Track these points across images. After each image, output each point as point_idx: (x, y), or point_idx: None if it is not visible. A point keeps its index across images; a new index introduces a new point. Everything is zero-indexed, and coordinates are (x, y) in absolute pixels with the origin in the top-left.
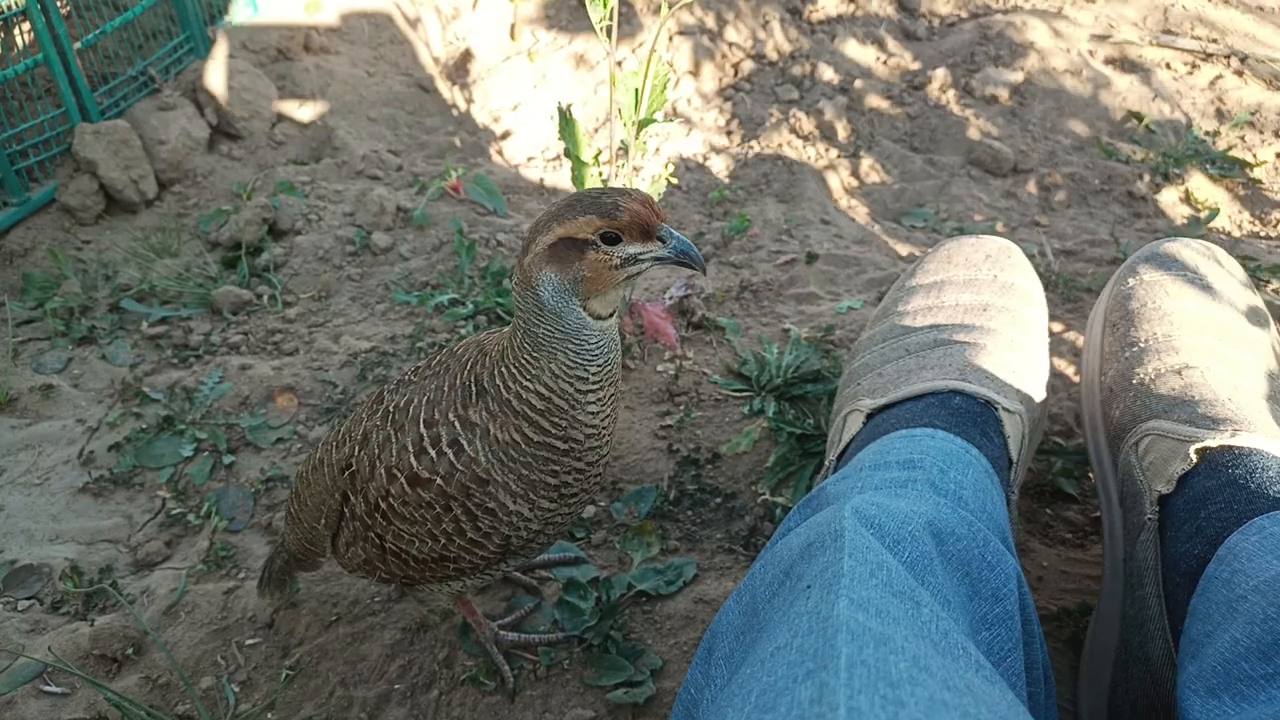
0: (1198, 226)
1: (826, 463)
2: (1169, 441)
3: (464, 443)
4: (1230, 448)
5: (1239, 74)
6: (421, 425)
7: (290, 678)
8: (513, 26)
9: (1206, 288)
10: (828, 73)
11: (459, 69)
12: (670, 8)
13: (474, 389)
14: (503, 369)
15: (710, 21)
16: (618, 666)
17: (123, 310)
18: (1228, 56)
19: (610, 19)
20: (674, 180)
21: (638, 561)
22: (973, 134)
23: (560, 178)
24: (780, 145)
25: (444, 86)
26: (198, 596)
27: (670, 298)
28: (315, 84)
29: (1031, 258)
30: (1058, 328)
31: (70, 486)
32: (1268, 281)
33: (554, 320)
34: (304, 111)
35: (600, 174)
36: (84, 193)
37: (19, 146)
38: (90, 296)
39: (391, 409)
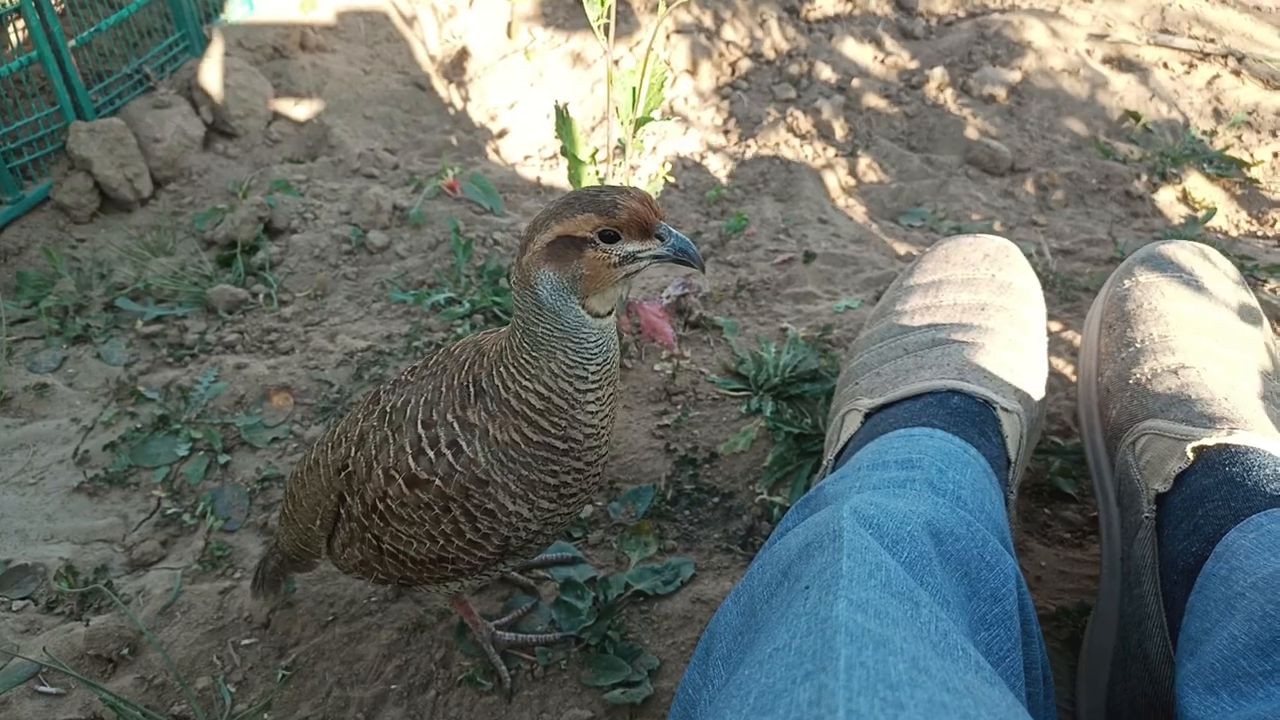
0: (1195, 226)
1: (824, 462)
2: (1166, 440)
3: (463, 444)
4: (1227, 446)
5: (1236, 74)
6: (419, 426)
7: (286, 678)
8: (509, 25)
9: (1202, 289)
10: (825, 72)
11: (455, 67)
12: (668, 6)
13: (472, 389)
14: (501, 369)
15: (708, 20)
16: (615, 666)
17: (118, 309)
18: (1225, 56)
19: (607, 17)
20: (671, 179)
21: (635, 561)
22: (970, 133)
23: (557, 176)
24: (778, 144)
25: (440, 85)
26: (193, 596)
27: (667, 297)
28: (311, 82)
29: (1029, 257)
30: (1056, 327)
31: (65, 486)
32: (1265, 281)
33: (552, 319)
34: (300, 110)
35: (597, 172)
36: (79, 191)
37: (13, 144)
38: (85, 295)
39: (388, 409)
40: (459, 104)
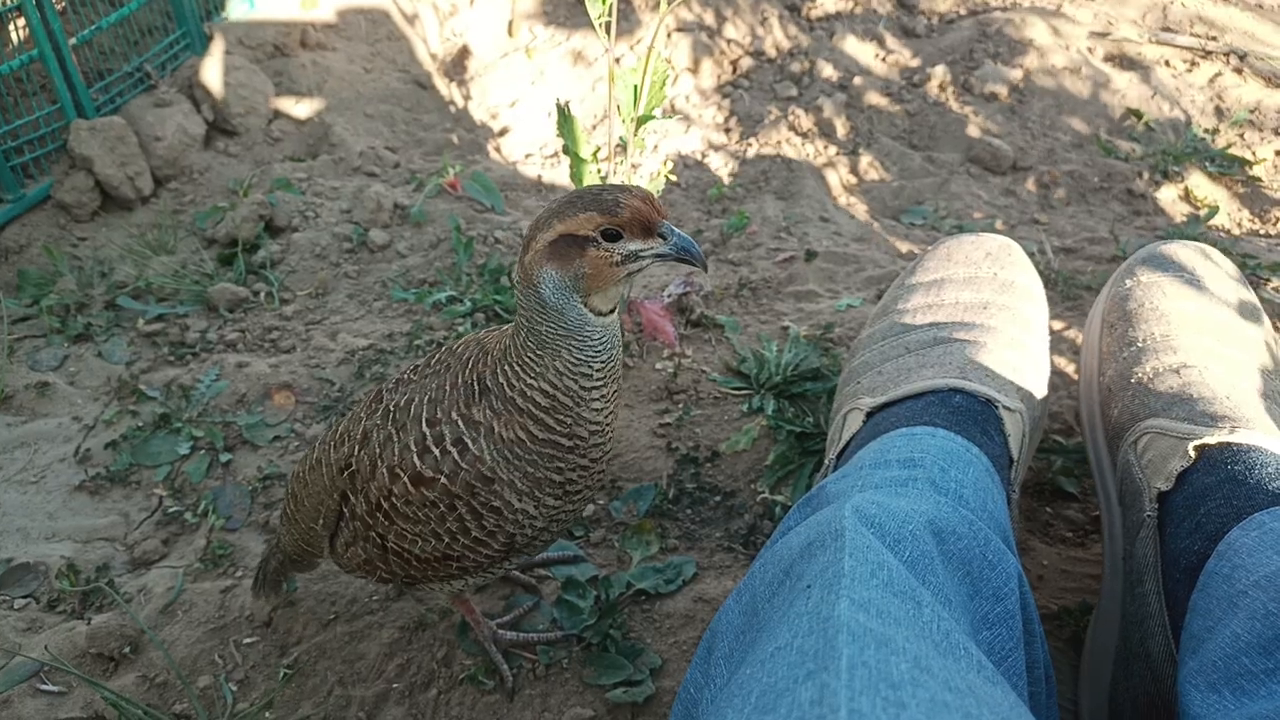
0: (1197, 224)
1: (826, 461)
2: (1168, 439)
3: (468, 441)
4: (1229, 444)
5: (1238, 72)
6: (424, 424)
7: (288, 677)
8: (510, 23)
9: (1203, 288)
10: (827, 70)
11: (456, 65)
12: (669, 4)
13: (476, 387)
14: (506, 367)
15: (709, 18)
16: (617, 665)
17: (119, 307)
18: (1227, 54)
19: (609, 15)
20: (673, 177)
21: (637, 560)
22: (972, 131)
23: (558, 174)
24: (779, 142)
25: (441, 83)
26: (195, 595)
27: (669, 295)
28: (312, 80)
29: (1031, 255)
30: (1058, 325)
31: (66, 484)
32: (1267, 279)
33: (556, 317)
34: (301, 108)
35: (599, 171)
36: (79, 189)
37: (14, 143)
38: (86, 294)
39: (392, 408)
40: (460, 102)
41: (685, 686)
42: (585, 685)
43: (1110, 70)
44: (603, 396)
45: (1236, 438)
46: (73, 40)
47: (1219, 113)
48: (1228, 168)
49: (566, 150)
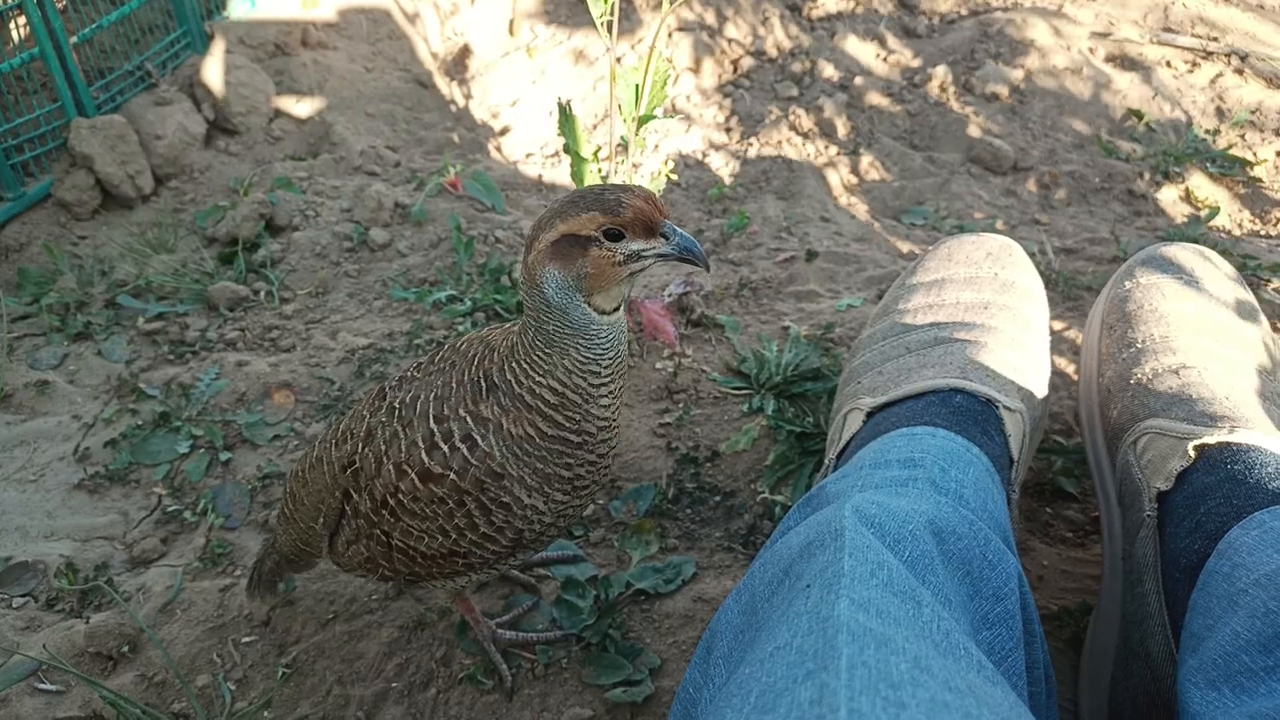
0: (1198, 225)
1: (826, 461)
2: (1167, 439)
3: (477, 437)
4: (1228, 444)
5: (1239, 72)
6: (431, 421)
7: (287, 676)
8: (511, 22)
9: (1202, 290)
10: (827, 70)
11: (457, 65)
12: (671, 4)
13: (484, 384)
14: (514, 364)
15: (710, 18)
16: (616, 665)
17: (119, 306)
18: (1228, 55)
19: (610, 14)
20: (673, 177)
21: (636, 560)
22: (973, 131)
23: (559, 174)
24: (780, 142)
25: (442, 82)
26: (194, 594)
27: (669, 295)
28: (313, 79)
29: (1032, 256)
30: (1058, 326)
31: (65, 483)
32: (1268, 280)
33: (560, 316)
34: (301, 107)
35: (600, 170)
36: (80, 188)
37: (14, 141)
38: (86, 292)
39: (397, 405)
40: (461, 101)
41: (684, 686)
42: (584, 685)
43: (1111, 71)
44: (610, 393)
45: (1236, 437)
46: (73, 38)
47: (1220, 113)
48: (1229, 168)
49: (567, 149)
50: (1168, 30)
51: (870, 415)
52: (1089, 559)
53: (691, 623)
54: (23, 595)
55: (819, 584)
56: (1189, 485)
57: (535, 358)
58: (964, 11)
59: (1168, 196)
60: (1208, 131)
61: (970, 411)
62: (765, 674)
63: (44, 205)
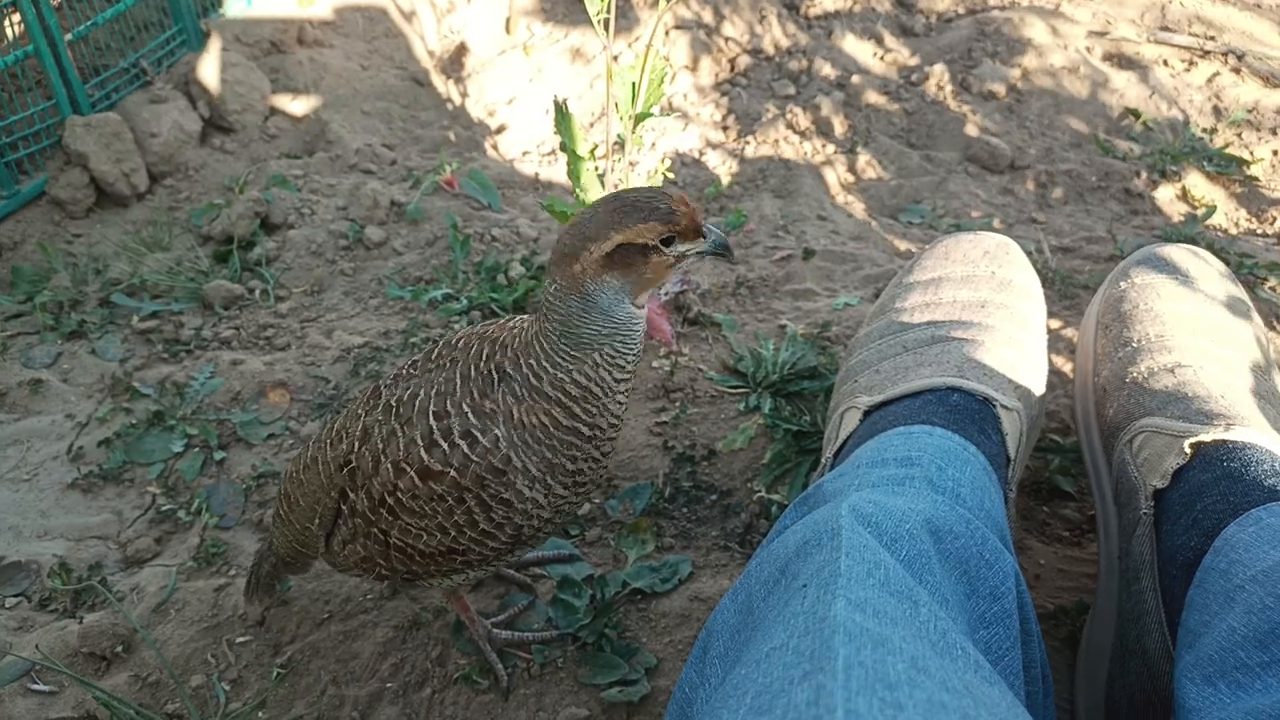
0: (1195, 224)
1: (823, 460)
2: (1163, 437)
3: (477, 434)
4: (1224, 442)
5: (1236, 71)
6: (431, 417)
7: (281, 676)
8: (508, 20)
9: (1197, 290)
10: (825, 68)
11: (454, 63)
12: (667, 2)
13: (495, 377)
14: (532, 361)
15: (707, 16)
16: (612, 665)
17: (113, 304)
18: (1225, 54)
19: (607, 12)
20: (670, 175)
21: (632, 559)
22: (970, 130)
23: (556, 172)
24: (777, 141)
25: (439, 80)
26: (188, 594)
27: (666, 294)
28: (309, 77)
29: (1029, 254)
30: (1055, 324)
31: (59, 482)
32: (1265, 279)
33: (603, 318)
34: (297, 105)
35: (596, 168)
36: (74, 185)
37: (9, 139)
38: (80, 290)
39: (394, 403)
40: (457, 99)
41: (680, 686)
42: (580, 684)
43: (1108, 69)
44: (627, 390)
45: (1232, 435)
46: (68, 36)
47: (1217, 112)
48: (1225, 167)
49: (564, 147)
50: (1165, 29)
51: (867, 414)
52: (1085, 557)
53: (688, 622)
54: (15, 595)
55: (815, 583)
56: (1185, 483)
57: (559, 358)
58: (961, 10)
59: (1165, 195)
60: (1205, 130)
61: (967, 410)
62: (761, 674)
63: (38, 203)
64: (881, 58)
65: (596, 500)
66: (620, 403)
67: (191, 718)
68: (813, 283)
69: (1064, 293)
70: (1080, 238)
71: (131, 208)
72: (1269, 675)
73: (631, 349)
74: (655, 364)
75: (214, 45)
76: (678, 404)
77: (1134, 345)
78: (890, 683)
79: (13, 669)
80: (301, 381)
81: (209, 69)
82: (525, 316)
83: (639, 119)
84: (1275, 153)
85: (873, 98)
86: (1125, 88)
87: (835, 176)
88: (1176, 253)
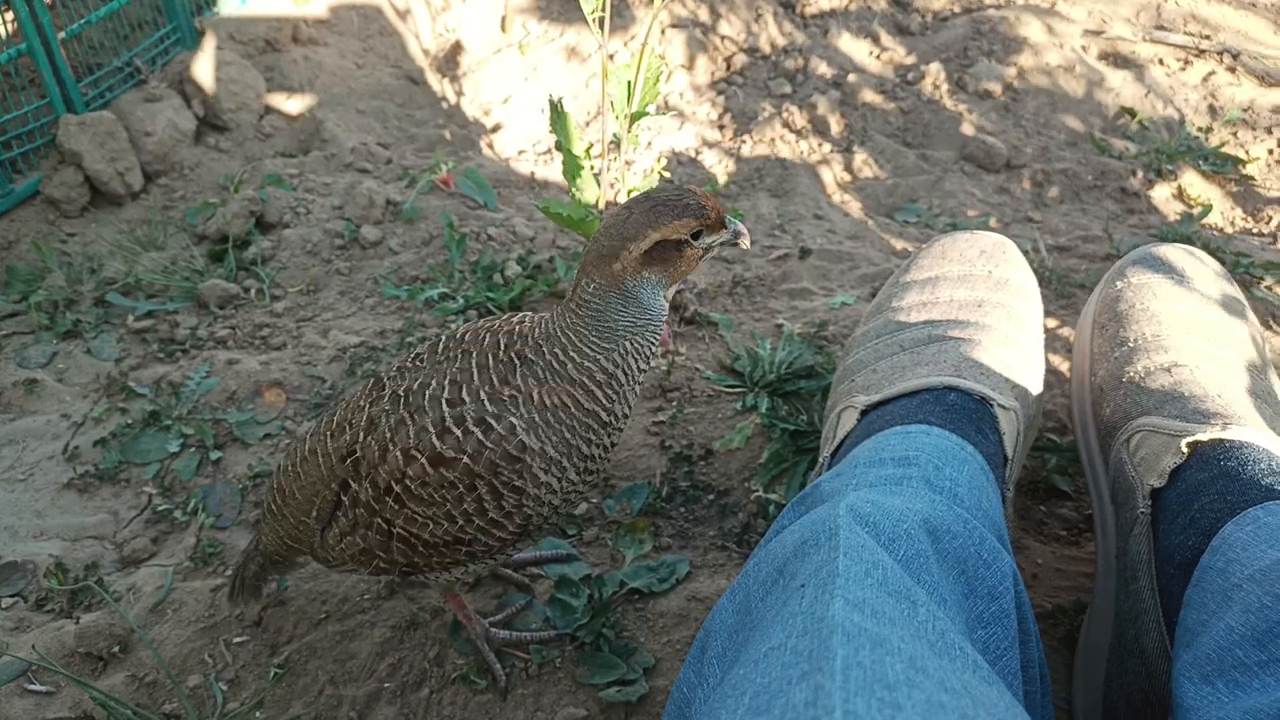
0: (1190, 223)
1: (820, 459)
2: (1160, 436)
3: (492, 421)
4: (1221, 441)
5: (1231, 70)
6: (444, 405)
7: (279, 676)
8: (503, 19)
9: (1193, 289)
10: (821, 67)
11: (449, 61)
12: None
13: (516, 362)
14: (557, 350)
15: (703, 14)
16: (610, 665)
17: (108, 304)
18: (1220, 53)
19: (602, 11)
20: (666, 174)
21: (630, 559)
22: (966, 129)
23: (551, 171)
24: (773, 139)
25: (434, 79)
26: (184, 594)
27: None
28: (304, 76)
29: (1025, 253)
30: (1052, 324)
31: (55, 482)
32: (1260, 278)
33: (639, 311)
34: (292, 104)
35: (592, 167)
36: (69, 185)
37: (2, 138)
38: (75, 290)
39: (402, 393)
40: (452, 98)
41: (678, 686)
42: (578, 684)
43: (1104, 68)
44: (644, 379)
45: (1229, 434)
46: (62, 34)
47: (1212, 111)
48: (1221, 166)
49: (560, 146)
50: (1160, 28)
51: (864, 413)
52: (1083, 557)
53: (685, 622)
54: (12, 595)
55: (813, 583)
56: (1182, 482)
57: (588, 347)
58: (957, 9)
59: (1160, 194)
60: (1200, 129)
61: (964, 410)
62: (760, 675)
63: (32, 202)
64: (878, 56)
65: (594, 500)
66: (636, 393)
67: (189, 718)
68: (809, 282)
69: (1060, 292)
70: (1076, 237)
71: (126, 207)
72: (1267, 674)
73: (656, 339)
74: (652, 364)
75: (208, 44)
76: (675, 403)
77: (1130, 345)
78: (888, 683)
79: (9, 669)
80: (297, 381)
81: (204, 67)
82: (528, 313)
83: (635, 118)
84: (1270, 151)
85: (869, 97)
86: (1121, 87)
87: (831, 175)
88: (1172, 252)
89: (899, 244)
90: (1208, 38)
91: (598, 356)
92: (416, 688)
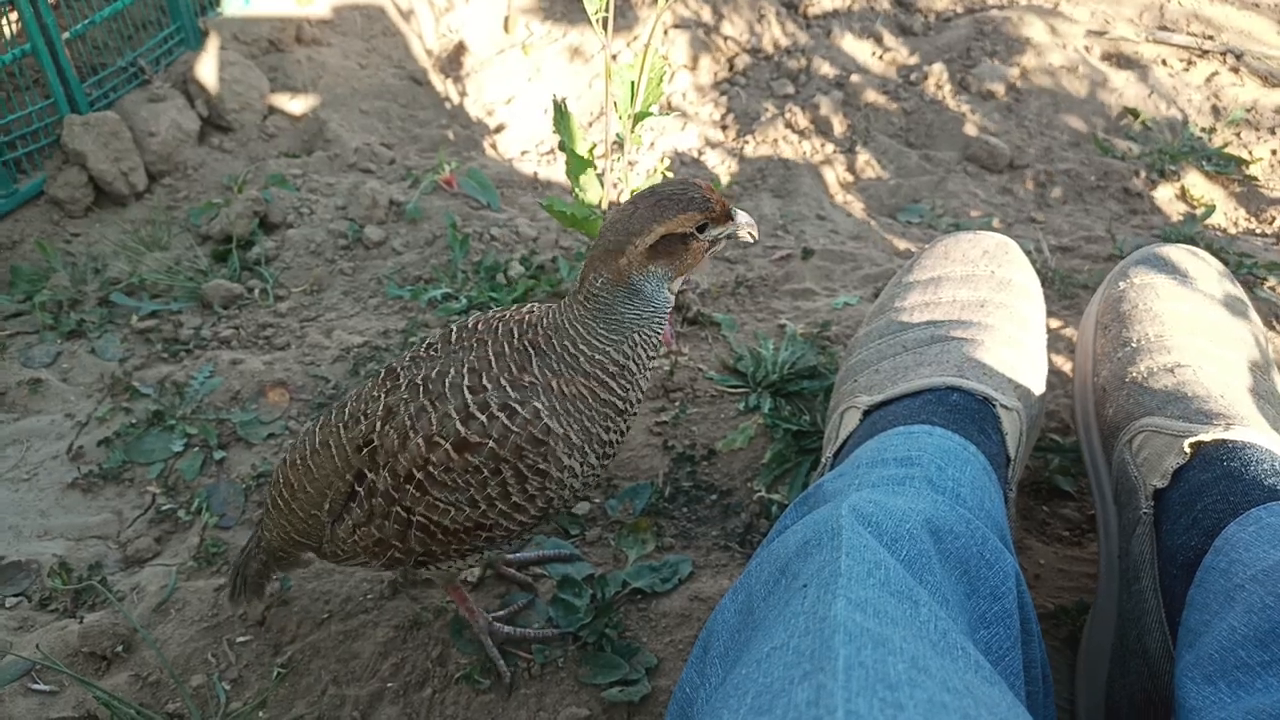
0: (1193, 224)
1: (823, 460)
2: (1163, 437)
3: (516, 406)
4: (1224, 441)
5: (1235, 71)
6: (466, 392)
7: (282, 676)
8: (507, 19)
9: (1196, 290)
10: (824, 67)
11: (452, 61)
12: (666, 0)
13: (530, 352)
14: (566, 342)
15: (706, 14)
16: (613, 664)
17: (112, 304)
18: (1223, 53)
19: (606, 11)
20: (669, 174)
21: (633, 559)
22: (969, 129)
23: (554, 171)
24: (776, 140)
25: (437, 79)
26: (188, 593)
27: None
28: (307, 76)
29: (1028, 254)
30: (1055, 324)
31: (59, 482)
32: (1264, 279)
33: (644, 304)
34: (296, 104)
35: (596, 168)
36: (73, 185)
37: (6, 138)
38: (79, 290)
39: (420, 381)
40: (456, 99)
41: (681, 686)
42: (581, 684)
43: (1107, 69)
44: (653, 365)
45: (1232, 434)
46: (66, 34)
47: (1216, 112)
48: (1224, 167)
49: (563, 147)
50: (1163, 28)
51: (867, 414)
52: (1085, 557)
53: (688, 622)
54: (16, 595)
55: (816, 583)
56: (1185, 482)
57: (597, 340)
58: (960, 9)
59: (1163, 195)
60: (1203, 130)
61: (967, 410)
62: (762, 674)
63: (36, 202)
64: (880, 57)
65: (597, 500)
66: (648, 379)
67: (192, 717)
68: (812, 282)
69: (1063, 292)
70: (1079, 237)
71: (130, 207)
72: (1269, 674)
73: (661, 330)
74: (655, 364)
75: (212, 44)
76: (677, 404)
77: (1133, 345)
78: (891, 683)
79: (13, 669)
80: (301, 381)
81: (207, 68)
82: (536, 304)
83: (638, 118)
84: (1274, 152)
85: (872, 97)
86: (1124, 87)
87: (834, 176)
88: (1175, 252)
89: (902, 244)
90: (1211, 38)
91: (608, 349)
92: (419, 687)
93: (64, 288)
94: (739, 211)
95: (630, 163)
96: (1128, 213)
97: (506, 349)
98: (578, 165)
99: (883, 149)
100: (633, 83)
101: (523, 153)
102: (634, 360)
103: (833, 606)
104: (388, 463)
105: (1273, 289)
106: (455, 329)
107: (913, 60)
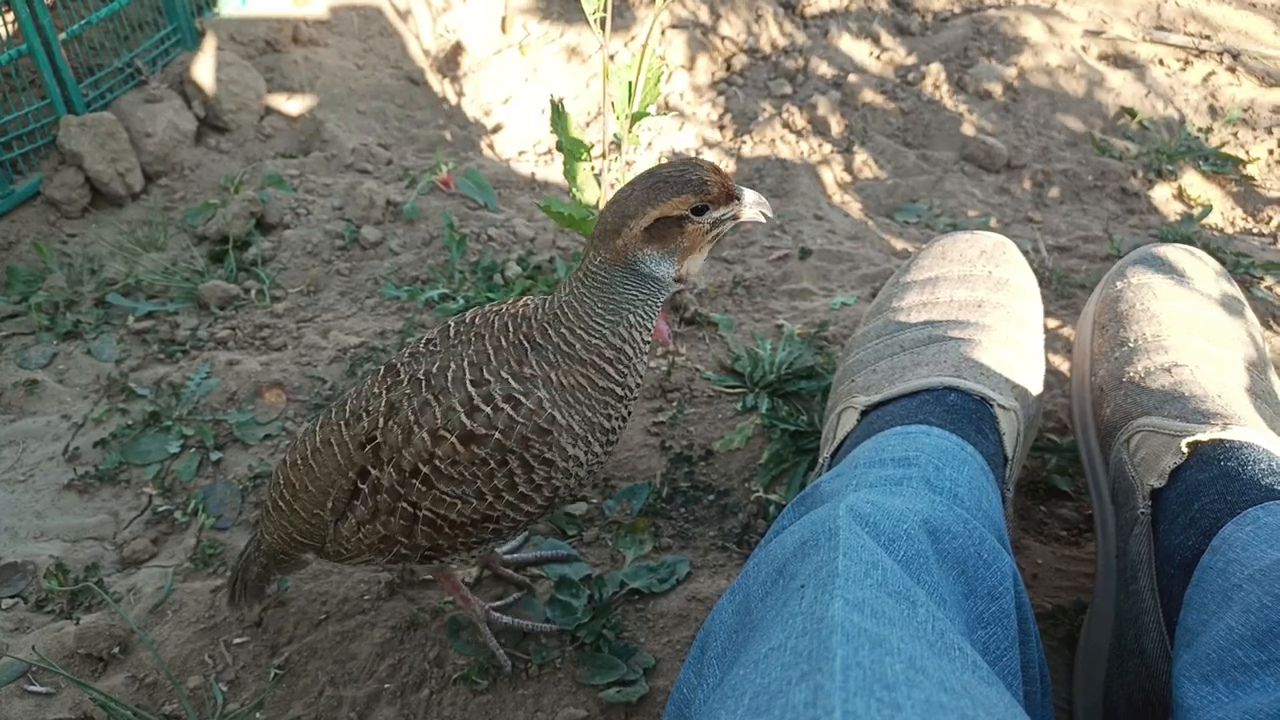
0: (1191, 223)
1: (820, 460)
2: (1160, 437)
3: (520, 397)
4: (1221, 441)
5: (1231, 70)
6: (469, 385)
7: (279, 677)
8: (504, 19)
9: (1193, 290)
10: (821, 67)
11: (449, 62)
12: (664, 0)
13: (527, 346)
14: (563, 330)
15: (704, 14)
16: (610, 665)
17: (108, 305)
18: (1220, 53)
19: (603, 11)
20: None
21: (630, 559)
22: (966, 129)
23: (552, 171)
24: (773, 140)
25: (434, 79)
26: (185, 595)
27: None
28: (304, 76)
29: (1025, 254)
30: (1052, 324)
31: (55, 483)
32: (1261, 278)
33: (642, 285)
34: (292, 104)
35: (593, 168)
36: (69, 185)
37: (3, 139)
38: (75, 291)
39: (422, 376)
40: (453, 99)
41: (678, 686)
42: (578, 685)
43: (1104, 69)
44: (649, 353)
45: (1229, 434)
46: (62, 35)
47: (1213, 111)
48: (1221, 166)
49: (560, 147)
50: (1160, 28)
51: (864, 414)
52: (1083, 557)
53: (686, 622)
54: (12, 596)
55: (813, 584)
56: (1182, 482)
57: (593, 321)
58: (957, 9)
59: (1161, 195)
60: (1200, 129)
61: (964, 410)
62: (759, 675)
63: (33, 203)
64: (878, 57)
65: (594, 500)
66: (645, 363)
67: (189, 719)
68: (809, 282)
69: (1061, 292)
70: (1077, 237)
71: (126, 207)
72: (1267, 674)
73: (655, 313)
74: (652, 364)
75: (209, 44)
76: (675, 404)
77: (1131, 345)
78: (888, 683)
79: (9, 670)
80: (298, 382)
81: (204, 68)
82: (530, 298)
83: (635, 118)
84: (1271, 152)
85: (869, 97)
86: (1121, 87)
87: (832, 176)
88: (1173, 252)
89: (899, 244)
90: (1208, 38)
91: (603, 331)
92: (416, 688)
93: (60, 288)
94: (747, 191)
95: (628, 163)
96: (1125, 212)
97: (504, 342)
98: (575, 165)
99: (880, 149)
100: (630, 83)
101: (520, 153)
102: (629, 343)
103: (830, 607)
104: (392, 458)
105: (1270, 288)
106: (453, 324)
107: (910, 60)
